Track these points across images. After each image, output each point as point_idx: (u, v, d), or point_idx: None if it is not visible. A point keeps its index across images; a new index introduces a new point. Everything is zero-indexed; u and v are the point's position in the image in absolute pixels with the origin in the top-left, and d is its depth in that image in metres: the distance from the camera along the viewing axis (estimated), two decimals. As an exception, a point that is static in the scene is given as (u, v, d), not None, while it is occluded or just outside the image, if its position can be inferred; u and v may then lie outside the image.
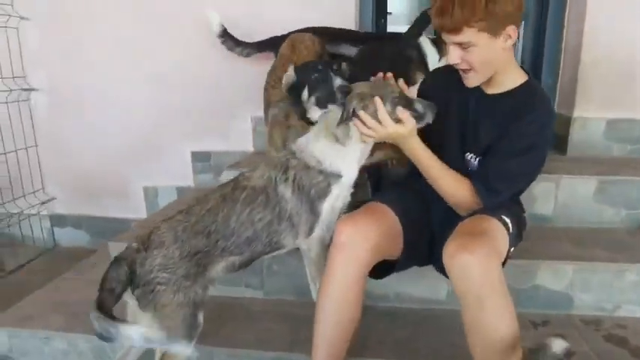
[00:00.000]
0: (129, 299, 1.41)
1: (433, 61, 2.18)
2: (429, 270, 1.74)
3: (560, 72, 2.70)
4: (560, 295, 1.84)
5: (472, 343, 1.34)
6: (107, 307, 1.31)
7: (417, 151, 1.48)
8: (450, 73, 1.52)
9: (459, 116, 1.56)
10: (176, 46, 2.78)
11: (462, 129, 1.55)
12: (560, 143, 2.57)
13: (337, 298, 1.41)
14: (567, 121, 2.54)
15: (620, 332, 1.74)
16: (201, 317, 1.45)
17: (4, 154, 2.87)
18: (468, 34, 1.34)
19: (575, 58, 2.54)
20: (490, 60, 1.41)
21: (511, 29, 1.36)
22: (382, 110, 1.39)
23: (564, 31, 2.66)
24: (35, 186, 3.07)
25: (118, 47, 2.82)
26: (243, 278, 1.95)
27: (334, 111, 1.49)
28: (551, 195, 2.16)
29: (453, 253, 1.28)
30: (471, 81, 1.47)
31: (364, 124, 1.41)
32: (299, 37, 2.24)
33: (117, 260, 1.42)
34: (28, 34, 2.87)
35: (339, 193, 1.51)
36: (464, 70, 1.45)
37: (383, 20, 3.44)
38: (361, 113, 1.40)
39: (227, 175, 2.37)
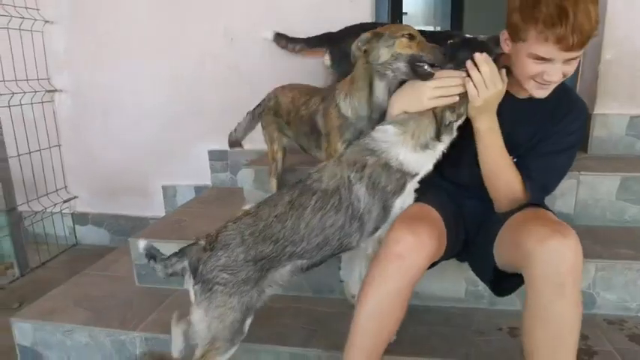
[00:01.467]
0: (190, 291, 1.44)
1: None
2: (449, 268, 1.75)
3: (581, 68, 2.65)
4: (583, 295, 1.78)
5: (534, 334, 1.28)
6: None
7: (494, 123, 1.44)
8: None
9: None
10: (195, 47, 2.82)
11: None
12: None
13: (386, 306, 1.36)
14: (588, 118, 2.49)
15: (644, 332, 1.70)
16: (248, 324, 1.45)
17: (29, 153, 2.94)
18: (579, 53, 1.32)
19: (595, 53, 2.48)
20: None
21: (504, 36, 1.41)
22: (491, 62, 1.36)
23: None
24: (58, 185, 3.14)
25: (139, 49, 2.88)
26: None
27: (420, 119, 1.43)
28: (572, 193, 2.12)
29: (546, 238, 1.23)
30: (546, 92, 1.42)
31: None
32: None
33: (182, 253, 1.45)
34: (53, 37, 2.96)
35: (411, 189, 1.48)
36: (546, 83, 1.39)
37: (398, 20, 3.45)
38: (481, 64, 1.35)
39: (244, 173, 2.41)
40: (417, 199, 1.52)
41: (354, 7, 2.67)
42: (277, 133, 2.10)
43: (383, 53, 1.49)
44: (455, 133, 1.45)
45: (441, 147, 1.45)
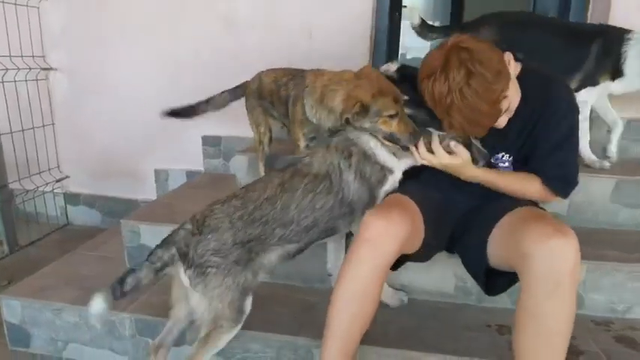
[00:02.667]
0: (182, 276, 1.45)
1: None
2: (439, 263, 1.76)
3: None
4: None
5: (525, 332, 1.29)
6: (130, 279, 1.42)
7: (477, 177, 1.51)
8: None
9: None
10: (191, 31, 2.80)
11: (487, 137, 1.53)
12: (578, 142, 2.52)
13: (359, 291, 1.38)
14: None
15: (630, 334, 1.71)
16: (249, 303, 1.48)
17: (22, 131, 2.90)
18: (505, 103, 1.39)
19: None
20: (515, 85, 1.46)
21: (505, 56, 1.43)
22: (436, 143, 1.45)
23: (589, 16, 2.61)
24: (51, 164, 3.12)
25: (137, 30, 2.85)
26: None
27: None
28: (566, 194, 2.13)
29: (547, 236, 1.24)
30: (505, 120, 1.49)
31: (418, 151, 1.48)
32: None
33: (167, 242, 1.46)
34: (49, 13, 2.91)
35: (393, 182, 1.57)
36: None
37: (397, 13, 3.42)
38: (419, 145, 1.47)
39: (237, 160, 2.39)
40: (396, 191, 1.58)
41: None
42: (263, 115, 2.12)
43: (365, 124, 1.57)
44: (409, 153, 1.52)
45: (403, 164, 1.57)
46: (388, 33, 2.90)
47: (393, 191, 1.59)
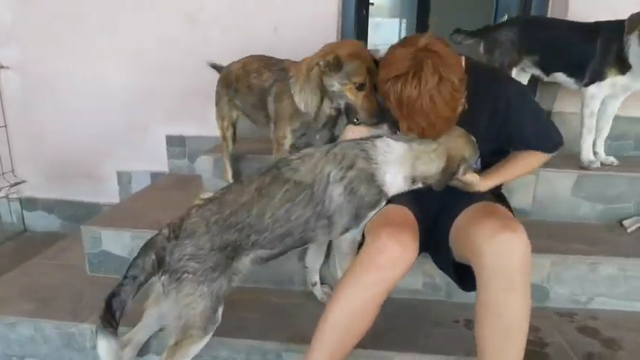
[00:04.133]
0: (157, 283, 1.41)
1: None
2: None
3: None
4: (537, 288, 1.85)
5: (485, 326, 1.31)
6: (117, 302, 1.35)
7: (490, 183, 1.56)
8: None
9: None
10: (154, 27, 2.71)
11: None
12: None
13: (357, 310, 1.35)
14: (548, 116, 2.55)
15: (592, 324, 1.76)
16: (220, 312, 1.43)
17: (-29, 134, 2.75)
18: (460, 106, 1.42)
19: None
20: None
21: (457, 59, 1.42)
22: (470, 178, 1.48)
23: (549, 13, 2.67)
24: (4, 168, 2.96)
25: (93, 27, 2.74)
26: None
27: (425, 149, 1.44)
28: (530, 189, 2.17)
29: (495, 232, 1.25)
30: None
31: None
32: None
33: (146, 247, 1.40)
34: (-1, 8, 2.75)
35: (383, 204, 1.49)
36: None
37: (365, 11, 3.42)
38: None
39: (203, 161, 2.33)
40: (393, 201, 1.52)
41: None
42: (227, 107, 2.06)
43: (334, 85, 1.62)
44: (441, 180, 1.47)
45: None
46: (356, 31, 2.89)
47: (389, 201, 1.53)
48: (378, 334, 1.65)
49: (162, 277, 1.38)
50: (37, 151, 2.97)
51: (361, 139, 1.48)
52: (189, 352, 1.42)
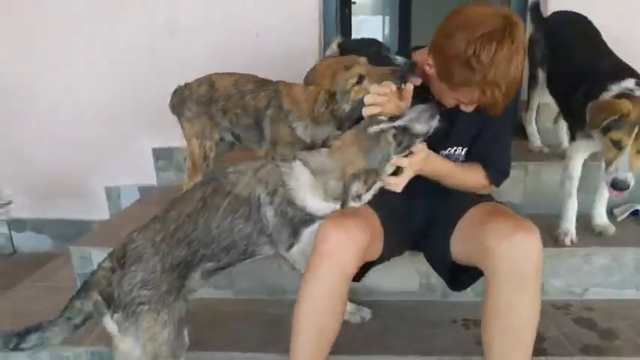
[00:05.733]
0: (108, 324, 1.30)
1: None
2: (401, 262, 1.74)
3: (527, 62, 2.71)
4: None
5: (494, 329, 1.29)
6: (34, 331, 1.28)
7: (437, 166, 1.45)
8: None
9: None
10: (132, 38, 2.69)
11: (437, 134, 1.47)
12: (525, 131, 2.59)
13: (322, 306, 1.33)
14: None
15: (588, 315, 1.77)
16: (185, 334, 1.37)
17: (-48, 156, 2.71)
18: None
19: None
20: None
21: None
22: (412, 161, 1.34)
23: (527, 21, 2.67)
24: (-11, 190, 2.92)
25: (72, 42, 2.71)
26: (211, 279, 1.88)
27: (331, 178, 1.36)
28: (520, 182, 2.18)
29: (509, 233, 1.24)
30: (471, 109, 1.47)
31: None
32: None
33: (86, 287, 1.31)
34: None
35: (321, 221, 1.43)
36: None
37: (347, 10, 3.42)
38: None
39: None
40: None
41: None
42: (209, 126, 1.95)
43: (346, 107, 1.59)
44: (368, 198, 1.39)
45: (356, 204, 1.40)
46: (339, 30, 2.89)
47: None
48: (375, 338, 1.65)
49: (115, 316, 1.28)
50: (22, 171, 2.92)
51: (283, 160, 1.44)
52: None
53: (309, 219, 1.39)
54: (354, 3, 4.10)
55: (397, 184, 1.35)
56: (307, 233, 1.40)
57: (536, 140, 2.46)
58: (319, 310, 1.33)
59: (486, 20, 1.27)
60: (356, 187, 1.33)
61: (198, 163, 2.00)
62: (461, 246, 1.45)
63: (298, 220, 1.38)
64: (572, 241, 1.86)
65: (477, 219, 1.39)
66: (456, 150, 1.56)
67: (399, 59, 1.64)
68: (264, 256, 1.50)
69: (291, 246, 1.43)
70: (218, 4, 2.62)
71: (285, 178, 1.37)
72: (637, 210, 2.11)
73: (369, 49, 1.71)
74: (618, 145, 1.56)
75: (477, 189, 1.55)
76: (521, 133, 2.59)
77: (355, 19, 4.11)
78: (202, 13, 2.62)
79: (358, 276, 1.49)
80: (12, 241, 3.05)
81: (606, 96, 1.64)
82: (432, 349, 1.59)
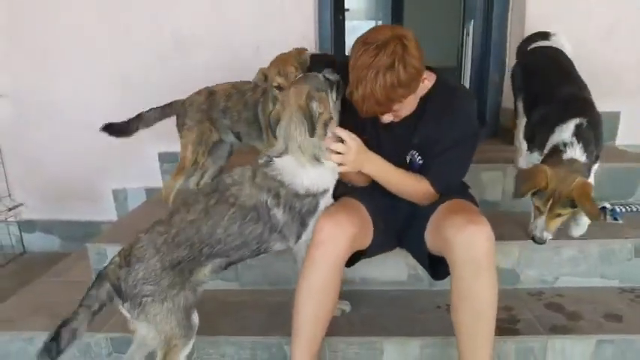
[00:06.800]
0: (123, 311, 1.49)
1: None
2: (391, 256, 1.94)
3: (506, 68, 2.93)
4: (508, 272, 2.05)
5: (460, 311, 1.49)
6: (67, 328, 1.41)
7: (377, 164, 1.61)
8: None
9: (391, 130, 1.69)
10: (139, 52, 2.85)
11: (397, 139, 1.69)
12: (507, 134, 2.79)
13: (317, 290, 1.53)
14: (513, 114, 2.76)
15: (558, 300, 1.97)
16: (195, 317, 1.54)
17: (-32, 162, 2.85)
18: (396, 106, 1.52)
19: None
20: (414, 102, 1.60)
21: (424, 74, 1.53)
22: (344, 133, 1.52)
23: (508, 30, 2.89)
24: (1, 192, 3.06)
25: (82, 51, 2.87)
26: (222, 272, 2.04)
27: (305, 136, 1.53)
28: (499, 183, 2.38)
29: (463, 226, 1.43)
30: (389, 119, 1.61)
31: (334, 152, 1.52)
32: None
33: (101, 278, 1.48)
34: (-10, 39, 2.87)
35: (326, 203, 1.61)
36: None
37: (341, 17, 3.58)
38: (329, 143, 1.51)
39: (195, 179, 2.48)
40: (348, 194, 1.71)
41: (298, 5, 2.81)
42: (208, 132, 2.14)
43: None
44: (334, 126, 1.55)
45: (332, 172, 1.57)
46: (333, 38, 3.06)
47: (345, 194, 1.72)
48: (369, 323, 1.84)
49: (125, 305, 1.45)
50: (33, 175, 3.08)
51: (265, 165, 1.57)
52: (180, 358, 1.52)
53: (315, 204, 1.57)
54: (348, 10, 4.25)
55: (341, 163, 1.53)
56: (313, 222, 1.59)
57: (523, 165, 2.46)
58: (316, 291, 1.53)
59: (377, 34, 1.45)
60: (315, 105, 1.50)
61: (186, 167, 2.20)
62: (431, 239, 1.64)
63: (306, 211, 1.57)
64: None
65: (441, 214, 1.58)
66: (416, 155, 1.70)
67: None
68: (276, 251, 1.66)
69: (299, 237, 1.61)
70: (220, 19, 2.80)
71: (279, 179, 1.54)
72: (604, 207, 2.32)
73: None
74: (538, 209, 1.80)
75: (423, 199, 1.65)
76: (504, 138, 2.81)
77: (349, 25, 4.26)
78: (205, 28, 2.80)
79: (351, 262, 1.69)
80: (22, 242, 3.19)
81: (552, 139, 1.84)
82: (418, 330, 1.79)
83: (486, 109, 3.00)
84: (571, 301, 1.95)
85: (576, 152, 1.77)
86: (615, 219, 2.25)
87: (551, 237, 1.84)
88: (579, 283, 2.05)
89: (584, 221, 2.00)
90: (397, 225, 1.78)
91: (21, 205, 3.13)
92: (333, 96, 1.59)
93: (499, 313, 1.83)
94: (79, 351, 1.87)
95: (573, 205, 1.72)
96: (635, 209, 2.34)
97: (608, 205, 2.31)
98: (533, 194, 1.79)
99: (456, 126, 1.62)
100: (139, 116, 2.25)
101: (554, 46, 2.35)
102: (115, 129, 2.24)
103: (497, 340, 1.69)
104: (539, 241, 1.83)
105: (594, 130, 1.83)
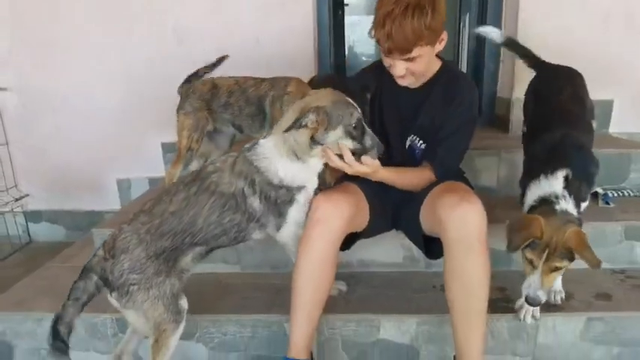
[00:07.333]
0: (112, 300, 1.53)
1: None
2: (388, 238, 2.01)
3: (501, 58, 2.98)
4: (503, 254, 2.08)
5: (453, 288, 1.54)
6: (63, 323, 1.46)
7: (384, 178, 1.67)
8: (382, 72, 1.74)
9: (396, 110, 1.78)
10: (143, 45, 2.91)
11: (401, 120, 1.78)
12: (502, 123, 2.85)
13: (314, 269, 1.58)
14: (508, 103, 2.82)
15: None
16: (183, 302, 1.58)
17: (-25, 153, 2.91)
18: (416, 51, 1.57)
19: (513, 46, 2.81)
20: (428, 64, 1.66)
21: (444, 34, 1.61)
22: (348, 156, 1.53)
23: (503, 20, 2.93)
24: (8, 183, 3.13)
25: (86, 44, 2.93)
26: (220, 255, 2.11)
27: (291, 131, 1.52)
28: (495, 168, 2.43)
29: (455, 204, 1.48)
30: (407, 82, 1.70)
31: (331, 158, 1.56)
32: None
33: (85, 271, 1.52)
34: (-4, 34, 2.93)
35: (305, 202, 1.61)
36: (402, 77, 1.67)
37: (341, 12, 3.64)
38: (329, 152, 1.53)
39: (196, 166, 2.52)
40: (345, 178, 1.75)
41: (298, 2, 2.86)
42: (204, 120, 2.19)
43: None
44: (314, 152, 1.55)
45: (315, 160, 1.58)
46: (331, 31, 3.12)
47: (342, 180, 1.78)
48: (365, 302, 1.90)
49: (114, 294, 1.49)
50: (38, 166, 3.15)
51: (249, 148, 1.60)
52: (170, 343, 1.55)
53: (290, 196, 1.59)
54: (347, 5, 4.29)
55: (343, 167, 1.56)
56: (292, 213, 1.61)
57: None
58: (314, 267, 1.58)
59: None
60: (311, 117, 1.47)
61: (182, 154, 2.24)
62: (425, 219, 1.70)
63: (281, 202, 1.59)
64: None
65: (435, 195, 1.64)
66: (415, 139, 1.79)
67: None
68: (256, 240, 1.69)
69: (279, 227, 1.64)
70: (221, 13, 2.86)
71: (256, 164, 1.57)
72: (596, 192, 2.37)
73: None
74: (531, 263, 1.60)
75: (423, 186, 1.72)
76: (499, 126, 2.86)
77: (348, 20, 4.31)
78: (206, 21, 2.86)
79: (348, 245, 1.75)
80: (28, 232, 3.27)
81: (534, 190, 1.68)
82: (414, 308, 1.84)
83: (482, 98, 3.04)
84: (563, 282, 1.99)
85: (569, 206, 1.61)
86: (607, 203, 2.31)
87: (546, 298, 1.64)
88: (572, 265, 2.08)
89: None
90: (393, 206, 1.84)
91: (27, 195, 3.20)
92: (341, 134, 1.53)
93: (493, 292, 1.91)
94: (85, 331, 1.94)
95: (570, 258, 1.56)
96: (626, 194, 2.40)
97: (600, 190, 2.37)
98: (525, 247, 1.60)
99: (459, 113, 1.70)
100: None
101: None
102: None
103: (490, 317, 1.78)
104: (534, 303, 1.60)
105: (584, 172, 1.67)
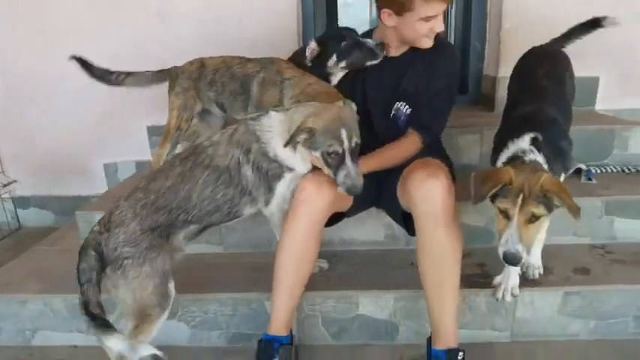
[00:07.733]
0: (104, 279, 1.51)
1: None
2: (370, 217, 2.03)
3: (487, 36, 2.96)
4: (483, 230, 2.12)
5: (423, 261, 1.59)
6: (92, 306, 1.42)
7: (369, 170, 1.67)
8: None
9: (381, 80, 1.81)
10: (129, 28, 2.89)
11: (385, 89, 1.81)
12: (488, 101, 2.84)
13: (297, 247, 1.62)
14: (493, 81, 2.81)
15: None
16: (171, 287, 1.57)
17: (-40, 140, 2.91)
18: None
19: (497, 24, 2.79)
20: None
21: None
22: (326, 171, 1.56)
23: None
24: (-5, 170, 3.13)
25: (71, 28, 2.90)
26: (204, 236, 2.11)
27: (296, 116, 1.56)
28: (477, 146, 2.44)
29: (423, 180, 1.52)
30: (430, 43, 1.73)
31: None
32: None
33: (83, 248, 1.51)
34: (-21, 19, 2.89)
35: (292, 179, 1.66)
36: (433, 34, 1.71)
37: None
38: (314, 159, 1.57)
39: (183, 148, 2.53)
40: None
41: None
42: (193, 100, 2.20)
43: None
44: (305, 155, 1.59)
45: (306, 155, 1.60)
46: (326, 12, 3.14)
47: None
48: (346, 279, 1.93)
49: (107, 269, 1.49)
50: (25, 152, 3.14)
51: (254, 117, 1.63)
52: (152, 330, 1.53)
53: (280, 172, 1.63)
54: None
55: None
56: (280, 188, 1.65)
57: None
58: (297, 245, 1.61)
59: None
60: (302, 136, 1.50)
61: (171, 133, 2.25)
62: (401, 196, 1.73)
63: (272, 175, 1.63)
64: None
65: (408, 172, 1.66)
66: (402, 105, 1.82)
67: (370, 42, 1.86)
68: (247, 216, 1.72)
69: (268, 202, 1.68)
70: (210, 6, 2.83)
71: (258, 134, 1.60)
72: (579, 168, 2.37)
73: (343, 39, 1.89)
74: (506, 215, 1.44)
75: (410, 156, 1.75)
76: (484, 104, 2.84)
77: (341, 1, 4.25)
78: (190, 1, 2.82)
79: (333, 222, 1.79)
80: (17, 218, 3.28)
81: (502, 156, 1.60)
82: (391, 284, 1.87)
83: (468, 76, 3.03)
84: (542, 258, 2.01)
85: (538, 158, 1.52)
86: (589, 179, 2.31)
87: (526, 254, 1.44)
88: (553, 240, 2.10)
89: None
90: (373, 185, 1.85)
91: (15, 181, 3.20)
92: (319, 156, 1.55)
93: (472, 268, 1.94)
94: (69, 313, 1.95)
95: (547, 205, 1.41)
96: (609, 170, 2.40)
97: (583, 167, 2.37)
98: (495, 196, 1.46)
99: (443, 77, 1.76)
100: (130, 73, 2.30)
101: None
102: (94, 72, 2.31)
103: (469, 292, 1.81)
104: (514, 260, 1.42)
105: (555, 145, 1.58)
